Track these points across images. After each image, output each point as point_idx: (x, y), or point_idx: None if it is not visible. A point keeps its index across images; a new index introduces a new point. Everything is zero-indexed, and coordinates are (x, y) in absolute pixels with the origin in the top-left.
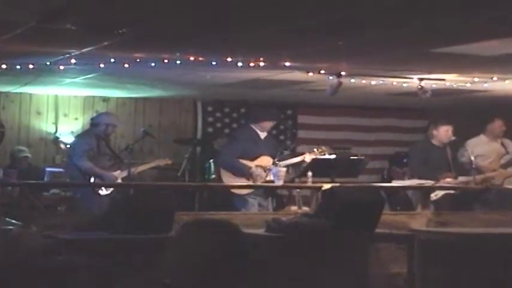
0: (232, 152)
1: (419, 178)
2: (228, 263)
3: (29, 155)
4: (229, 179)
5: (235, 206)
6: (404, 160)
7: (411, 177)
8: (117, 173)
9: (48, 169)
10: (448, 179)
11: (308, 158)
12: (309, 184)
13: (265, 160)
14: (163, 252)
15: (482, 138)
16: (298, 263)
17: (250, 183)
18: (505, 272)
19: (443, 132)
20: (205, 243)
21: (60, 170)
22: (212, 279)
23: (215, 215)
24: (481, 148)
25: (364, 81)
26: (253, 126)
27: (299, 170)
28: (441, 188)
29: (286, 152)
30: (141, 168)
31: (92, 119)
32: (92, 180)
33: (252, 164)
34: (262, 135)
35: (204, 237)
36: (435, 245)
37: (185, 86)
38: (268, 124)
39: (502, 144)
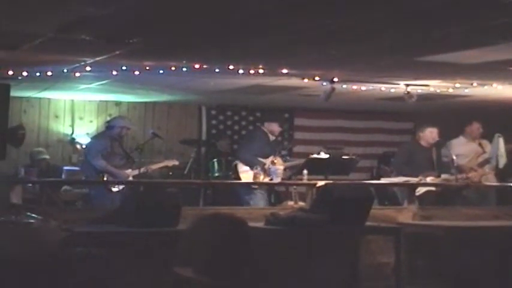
0: (251, 149)
1: (400, 176)
2: (234, 250)
3: (47, 156)
4: (244, 173)
5: (245, 199)
6: (392, 159)
7: (397, 175)
8: (128, 171)
9: (65, 168)
10: (431, 177)
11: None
12: (305, 181)
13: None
14: (173, 244)
15: (461, 139)
16: (295, 254)
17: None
18: (484, 261)
19: (428, 134)
20: (215, 233)
21: (77, 168)
22: (219, 265)
23: (219, 209)
24: (460, 148)
25: (355, 87)
26: (265, 130)
27: (295, 168)
28: (426, 185)
29: (283, 152)
30: (151, 167)
31: (107, 122)
32: (106, 178)
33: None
34: (271, 138)
35: (214, 228)
36: (420, 237)
37: (191, 92)
38: (277, 128)
39: (480, 144)
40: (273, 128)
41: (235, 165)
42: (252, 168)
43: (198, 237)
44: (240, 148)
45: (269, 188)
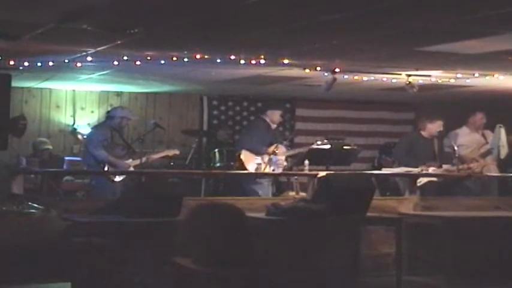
0: (253, 138)
1: (402, 166)
2: (232, 240)
3: (50, 147)
4: (249, 162)
5: (253, 189)
6: (394, 149)
7: (398, 165)
8: (129, 161)
9: (66, 158)
10: (432, 167)
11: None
12: (306, 172)
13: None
14: (173, 234)
15: (464, 129)
16: (296, 244)
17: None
18: (485, 251)
19: (437, 127)
20: (214, 224)
21: (78, 159)
22: (219, 256)
23: (220, 199)
24: (463, 138)
25: (356, 77)
26: (266, 118)
27: (297, 157)
28: (427, 175)
29: (285, 142)
30: (152, 157)
31: (108, 112)
32: (107, 168)
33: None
34: (273, 126)
35: (213, 219)
36: (421, 227)
37: (192, 82)
38: (278, 116)
39: (483, 135)
40: (275, 116)
41: (239, 155)
42: (260, 153)
43: (196, 228)
44: (241, 138)
45: (270, 178)
